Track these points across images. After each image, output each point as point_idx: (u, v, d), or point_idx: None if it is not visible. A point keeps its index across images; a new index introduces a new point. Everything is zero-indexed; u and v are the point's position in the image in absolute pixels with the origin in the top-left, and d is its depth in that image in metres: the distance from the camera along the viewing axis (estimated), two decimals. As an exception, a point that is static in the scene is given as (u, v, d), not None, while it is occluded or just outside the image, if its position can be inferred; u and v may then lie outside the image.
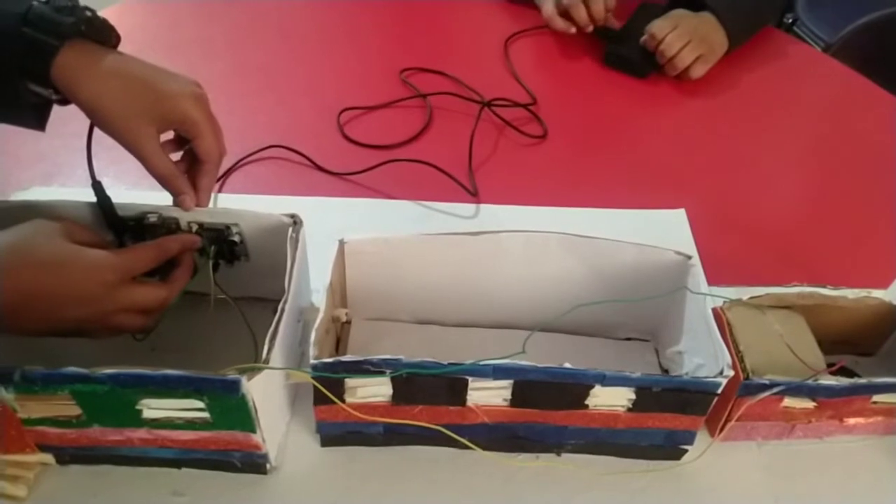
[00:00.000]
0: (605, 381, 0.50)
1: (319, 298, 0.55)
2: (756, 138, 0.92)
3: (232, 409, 0.48)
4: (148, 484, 0.54)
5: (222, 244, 0.59)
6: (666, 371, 0.62)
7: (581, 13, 0.98)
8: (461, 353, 0.62)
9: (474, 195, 0.78)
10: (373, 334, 0.64)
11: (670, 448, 0.56)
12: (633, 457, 0.57)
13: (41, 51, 0.49)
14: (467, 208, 0.77)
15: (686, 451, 0.57)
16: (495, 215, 0.76)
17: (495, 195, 0.79)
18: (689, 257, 0.58)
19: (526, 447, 0.57)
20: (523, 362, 0.49)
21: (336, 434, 0.56)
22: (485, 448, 0.55)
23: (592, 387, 0.50)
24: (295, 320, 0.56)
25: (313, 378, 0.49)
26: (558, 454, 0.58)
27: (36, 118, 0.53)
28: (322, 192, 0.78)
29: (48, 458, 0.54)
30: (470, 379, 0.50)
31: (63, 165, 0.79)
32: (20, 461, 0.53)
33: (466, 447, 0.54)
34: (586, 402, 0.52)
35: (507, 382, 0.51)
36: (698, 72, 0.96)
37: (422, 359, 0.49)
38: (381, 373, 0.49)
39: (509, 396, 0.52)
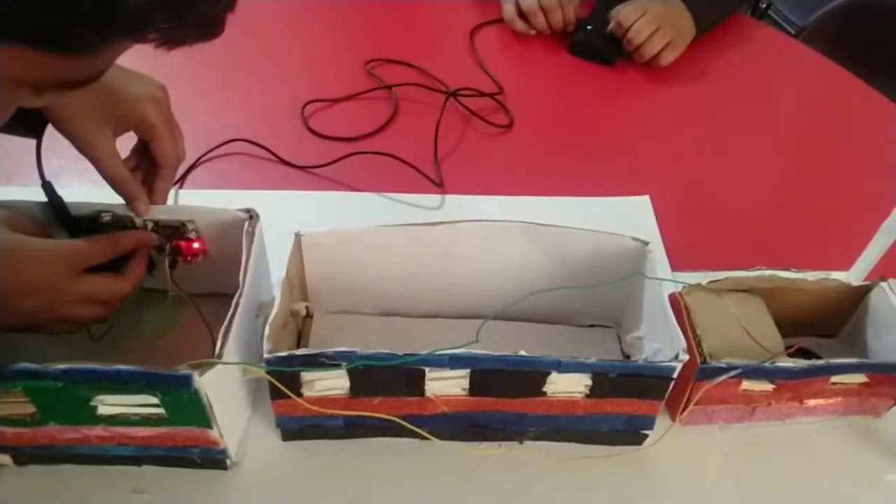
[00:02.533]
0: (561, 367, 0.50)
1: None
2: (723, 125, 0.92)
3: (186, 404, 0.48)
4: (108, 482, 0.54)
5: (179, 241, 0.59)
6: (628, 357, 0.62)
7: (539, 20, 0.99)
8: (423, 343, 0.61)
9: (440, 186, 0.78)
10: (334, 327, 0.63)
11: (631, 433, 0.57)
12: (595, 442, 0.57)
13: None
14: (433, 199, 0.77)
15: (647, 436, 0.57)
16: (460, 206, 0.76)
17: (461, 185, 0.78)
18: (647, 243, 0.58)
19: (487, 436, 0.57)
20: (479, 351, 0.49)
21: (296, 428, 0.56)
22: (446, 438, 0.55)
23: (549, 374, 0.51)
24: (253, 315, 0.56)
25: (268, 373, 0.49)
26: (520, 442, 0.58)
27: (27, 127, 0.52)
28: (286, 185, 0.77)
29: (5, 458, 0.53)
30: (427, 369, 0.50)
31: (24, 165, 0.78)
32: (-24, 462, 0.53)
33: (427, 439, 0.54)
34: (544, 389, 0.52)
35: (465, 372, 0.51)
36: (667, 59, 0.96)
37: (377, 350, 0.49)
38: (337, 366, 0.49)
39: (467, 386, 0.52)
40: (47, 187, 0.55)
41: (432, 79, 0.92)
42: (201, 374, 0.46)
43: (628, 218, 0.77)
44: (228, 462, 0.54)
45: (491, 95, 0.89)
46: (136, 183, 0.55)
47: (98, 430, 0.51)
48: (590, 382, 0.52)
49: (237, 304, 0.51)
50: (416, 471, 0.56)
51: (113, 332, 0.58)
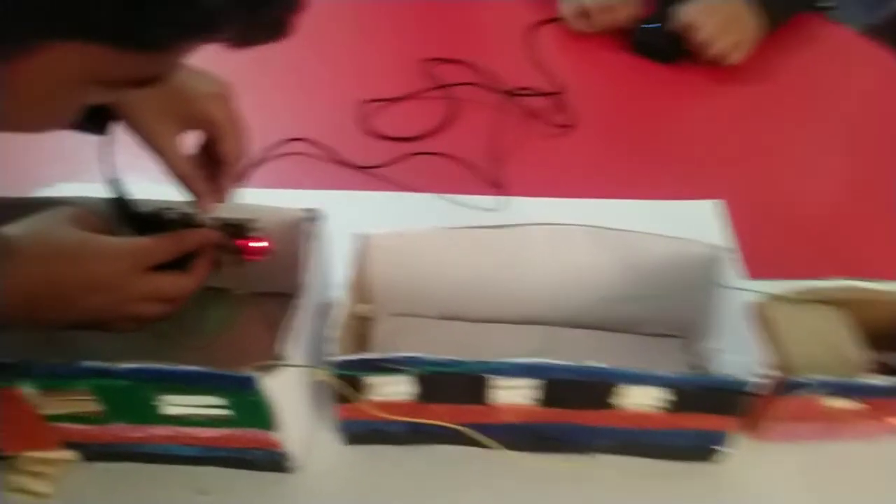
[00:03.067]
0: (636, 379, 0.48)
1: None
2: (792, 126, 0.88)
3: (250, 406, 0.48)
4: (172, 482, 0.54)
5: (242, 239, 0.58)
6: (697, 369, 0.60)
7: (600, 19, 0.97)
8: (487, 349, 0.61)
9: (499, 188, 0.76)
10: (397, 330, 0.62)
11: (704, 449, 0.54)
12: (666, 458, 0.55)
13: None
14: (491, 201, 0.75)
15: (721, 452, 0.54)
16: (520, 208, 0.75)
17: (520, 187, 0.77)
18: (723, 250, 0.56)
19: (556, 448, 0.55)
20: (549, 361, 0.47)
21: (360, 432, 0.55)
22: (512, 448, 0.53)
23: (622, 386, 0.49)
24: (315, 316, 0.55)
25: (332, 376, 0.48)
26: (590, 455, 0.56)
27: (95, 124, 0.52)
28: (343, 185, 0.77)
29: (71, 454, 0.53)
30: (493, 377, 0.49)
31: (88, 162, 0.78)
32: (44, 458, 0.53)
33: (494, 447, 0.52)
34: (615, 401, 0.50)
35: (534, 381, 0.49)
36: (735, 58, 0.93)
37: (443, 356, 0.47)
38: (402, 371, 0.48)
39: (536, 395, 0.50)
40: (114, 183, 0.55)
41: (490, 78, 0.90)
42: (264, 376, 0.46)
43: (695, 223, 0.74)
44: (291, 465, 0.54)
45: (550, 95, 0.87)
46: (201, 180, 0.55)
47: (162, 430, 0.51)
48: (665, 396, 0.49)
49: (299, 306, 0.50)
50: (480, 481, 0.54)
51: (175, 329, 0.58)
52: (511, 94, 0.86)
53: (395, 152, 0.79)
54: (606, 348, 0.62)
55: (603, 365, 0.47)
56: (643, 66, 0.96)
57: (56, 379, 0.46)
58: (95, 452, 0.53)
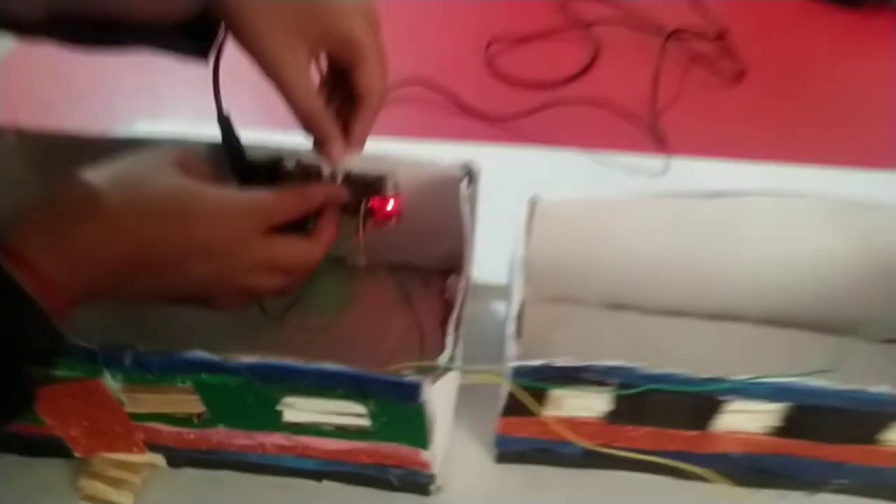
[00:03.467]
0: (934, 412, 0.35)
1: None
2: None
3: (402, 418, 0.36)
4: (278, 497, 0.43)
5: (371, 199, 0.46)
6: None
7: None
8: (670, 350, 0.48)
9: (661, 145, 0.62)
10: (552, 320, 0.50)
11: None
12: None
13: None
14: (653, 161, 0.61)
15: None
16: (691, 171, 0.61)
17: (685, 145, 0.63)
18: None
19: (771, 483, 0.43)
20: (818, 382, 0.34)
21: (518, 451, 0.43)
22: (715, 479, 0.41)
23: (902, 419, 0.35)
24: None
25: (515, 385, 0.36)
26: (810, 494, 0.43)
27: (192, 44, 0.40)
28: (469, 137, 0.64)
29: (158, 459, 0.43)
30: (731, 399, 0.36)
31: (169, 98, 0.68)
32: (125, 461, 0.43)
33: (690, 478, 0.40)
34: (881, 436, 0.37)
35: (779, 406, 0.36)
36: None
37: (668, 370, 0.35)
38: (604, 384, 0.36)
39: (775, 423, 0.37)
40: (224, 122, 0.43)
41: (639, 17, 0.75)
42: (433, 383, 0.34)
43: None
44: (432, 487, 0.42)
45: (715, 39, 0.72)
46: (333, 120, 0.42)
47: (277, 438, 0.39)
48: (956, 430, 0.36)
49: (466, 290, 0.38)
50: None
51: (280, 307, 0.47)
52: (666, 35, 0.72)
53: (529, 100, 0.65)
54: (824, 355, 0.48)
55: (891, 391, 0.34)
56: (823, 9, 0.80)
57: (151, 372, 0.35)
58: (187, 458, 0.43)
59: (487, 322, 0.50)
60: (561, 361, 0.35)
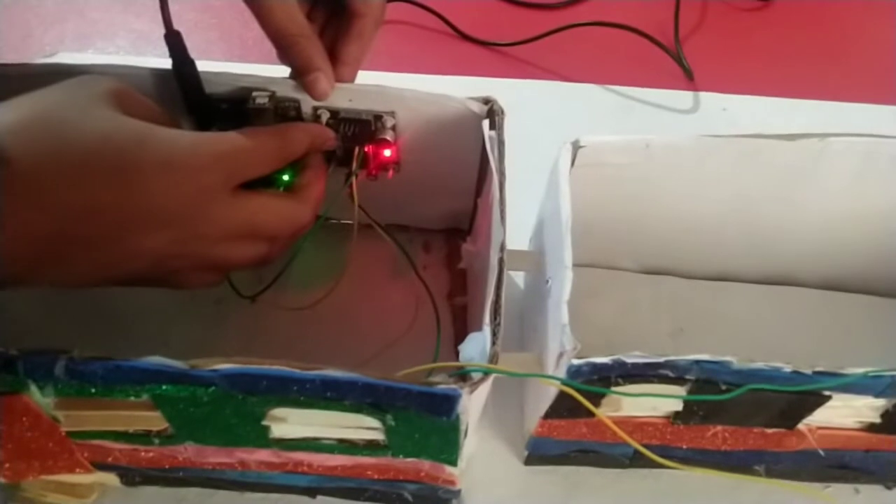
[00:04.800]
0: None
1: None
2: None
3: (428, 432, 0.28)
4: (263, 518, 0.35)
5: (367, 145, 0.37)
6: None
7: None
8: (725, 321, 0.41)
9: (690, 78, 0.54)
10: (583, 288, 0.41)
11: None
12: None
13: None
14: (681, 97, 0.53)
15: None
16: (724, 109, 0.53)
17: (712, 80, 0.55)
18: None
19: (846, 477, 0.36)
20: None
21: (556, 453, 0.35)
22: (777, 476, 0.35)
23: None
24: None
25: (570, 387, 0.28)
26: (889, 487, 0.37)
27: None
28: (467, 69, 0.55)
29: (110, 478, 0.34)
30: (836, 395, 0.29)
31: (100, 23, 0.56)
32: (68, 483, 0.34)
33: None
34: None
35: (887, 401, 0.29)
36: None
37: (768, 364, 0.27)
38: (683, 381, 0.28)
39: (873, 419, 0.31)
40: (173, 40, 0.32)
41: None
42: (472, 392, 0.25)
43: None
44: (455, 502, 0.35)
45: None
46: (319, 45, 0.33)
47: (262, 455, 0.31)
48: None
49: (503, 265, 0.29)
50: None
51: (251, 280, 0.38)
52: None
53: (534, 25, 0.56)
54: (891, 323, 0.42)
55: None
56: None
57: (93, 384, 0.26)
58: (144, 476, 0.34)
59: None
60: (632, 357, 0.27)
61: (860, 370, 0.27)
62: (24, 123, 0.25)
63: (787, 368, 0.27)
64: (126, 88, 0.29)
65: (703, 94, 0.53)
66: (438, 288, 0.42)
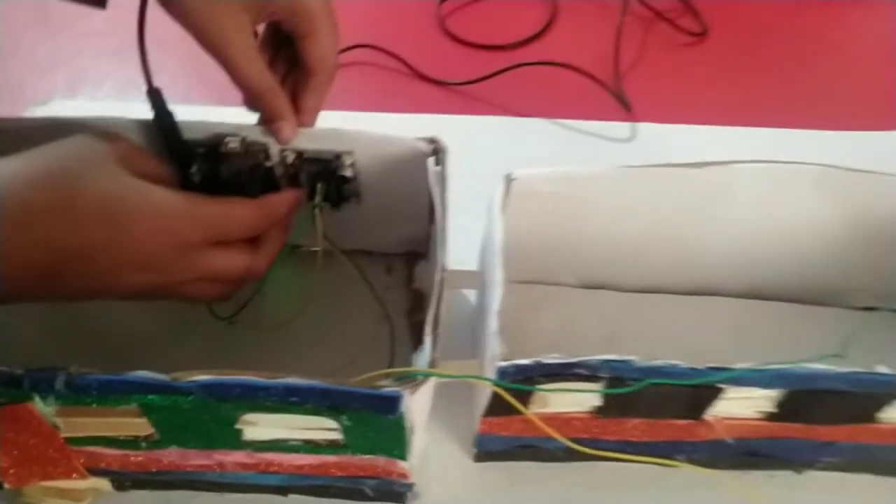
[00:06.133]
0: (937, 390, 0.33)
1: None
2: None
3: (379, 430, 0.33)
4: (241, 516, 0.39)
5: (328, 181, 0.42)
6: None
7: None
8: (654, 329, 0.46)
9: (628, 110, 0.59)
10: (526, 303, 0.47)
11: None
12: (899, 475, 0.41)
13: None
14: (620, 128, 0.59)
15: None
16: (659, 138, 0.58)
17: (650, 111, 0.60)
18: None
19: (759, 464, 0.41)
20: (821, 367, 0.32)
21: (500, 449, 0.40)
22: (700, 465, 0.39)
23: (906, 397, 0.34)
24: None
25: (500, 387, 0.33)
26: (798, 472, 0.42)
27: None
28: (424, 106, 0.60)
29: (103, 483, 0.38)
30: (730, 387, 0.33)
31: (88, 71, 0.61)
32: (66, 488, 0.38)
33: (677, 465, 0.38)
34: (881, 414, 0.35)
35: (777, 392, 0.34)
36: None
37: (665, 361, 0.32)
38: (596, 379, 0.33)
39: (770, 409, 0.36)
40: (154, 95, 0.37)
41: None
42: (412, 393, 0.30)
43: (879, 159, 0.58)
44: (409, 494, 0.39)
45: (675, -6, 0.70)
46: (284, 96, 0.38)
47: (238, 457, 0.36)
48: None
49: (443, 283, 0.34)
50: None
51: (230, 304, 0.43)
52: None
53: (486, 64, 0.61)
54: (804, 327, 0.47)
55: (890, 370, 0.33)
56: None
57: (89, 395, 0.31)
58: (134, 480, 0.38)
59: (456, 309, 0.46)
60: (549, 358, 0.32)
61: (745, 365, 0.32)
62: (47, 173, 0.30)
63: (683, 365, 0.32)
64: (132, 147, 0.34)
65: (641, 125, 0.59)
66: (399, 306, 0.46)
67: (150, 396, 0.31)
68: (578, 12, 0.68)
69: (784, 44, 0.69)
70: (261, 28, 0.38)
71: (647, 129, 0.58)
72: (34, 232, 0.28)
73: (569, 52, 0.63)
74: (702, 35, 0.67)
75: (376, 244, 0.48)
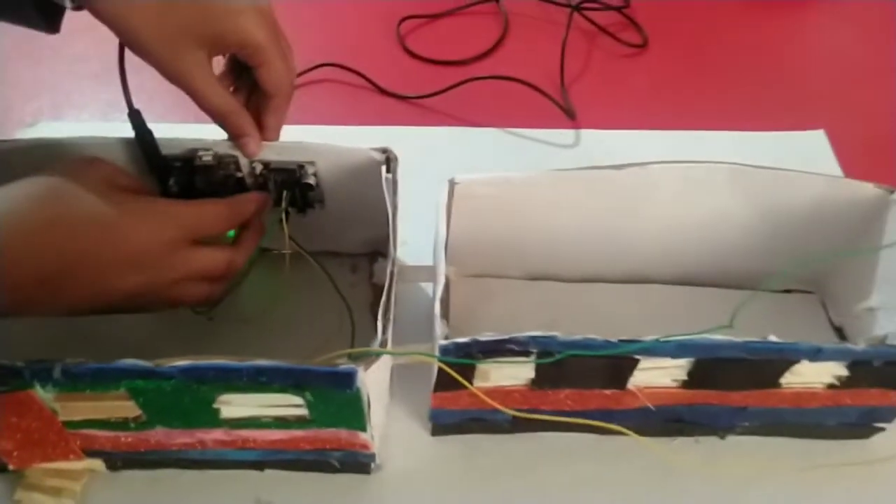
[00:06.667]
0: (819, 355, 0.38)
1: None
2: (894, 43, 0.77)
3: (339, 405, 0.37)
4: (224, 490, 0.44)
5: (294, 188, 0.47)
6: (840, 330, 0.51)
7: None
8: (592, 314, 0.51)
9: (572, 118, 0.65)
10: (477, 295, 0.52)
11: (863, 427, 0.46)
12: (814, 437, 0.47)
13: None
14: (565, 135, 0.64)
15: (880, 429, 0.46)
16: (601, 142, 0.64)
17: (594, 118, 0.66)
18: (892, 191, 0.46)
19: (685, 430, 0.46)
20: (718, 337, 0.38)
21: (452, 423, 0.45)
22: (633, 432, 0.44)
23: (796, 363, 0.39)
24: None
25: (443, 363, 0.38)
26: (722, 437, 0.47)
27: (44, 19, 0.39)
28: (385, 119, 0.65)
29: (97, 463, 0.43)
30: (643, 358, 0.39)
31: (72, 94, 0.65)
32: (63, 469, 0.42)
33: (611, 433, 0.43)
34: (783, 380, 0.41)
35: (686, 361, 0.39)
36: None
37: (583, 336, 0.37)
38: (527, 353, 0.38)
39: (683, 377, 0.41)
40: (135, 117, 0.42)
41: (545, -10, 0.77)
42: (366, 369, 0.35)
43: (800, 156, 0.63)
44: (373, 465, 0.44)
45: (618, 9, 0.75)
46: (246, 115, 0.43)
47: (217, 434, 0.40)
48: (844, 372, 0.40)
49: (393, 274, 0.39)
50: (598, 471, 0.45)
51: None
52: (576, 8, 0.74)
53: (443, 78, 0.66)
54: (726, 310, 0.52)
55: (785, 341, 0.38)
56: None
57: (83, 382, 0.35)
58: (125, 460, 0.43)
59: (415, 301, 0.51)
60: (485, 336, 0.37)
61: (652, 337, 0.37)
62: (38, 195, 0.35)
63: (599, 338, 0.37)
64: (113, 167, 0.39)
65: (584, 131, 0.64)
66: (363, 301, 0.51)
67: (136, 381, 0.35)
68: (527, 29, 0.74)
69: (717, 54, 0.75)
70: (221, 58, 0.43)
71: (589, 135, 0.64)
72: (38, 240, 0.33)
73: (518, 66, 0.68)
74: (642, 47, 0.73)
75: (341, 245, 0.53)
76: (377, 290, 0.52)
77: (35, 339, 0.47)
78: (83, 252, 0.35)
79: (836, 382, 0.41)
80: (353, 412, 0.38)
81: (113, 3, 0.36)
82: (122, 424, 0.39)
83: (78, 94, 0.65)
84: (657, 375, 0.41)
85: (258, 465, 0.44)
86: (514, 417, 0.43)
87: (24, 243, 0.33)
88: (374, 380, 0.36)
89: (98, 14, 0.37)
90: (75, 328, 0.47)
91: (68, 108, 0.64)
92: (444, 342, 0.37)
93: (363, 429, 0.39)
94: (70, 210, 0.35)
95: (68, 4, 0.37)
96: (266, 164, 0.45)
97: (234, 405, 0.38)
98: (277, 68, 0.42)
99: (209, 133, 0.44)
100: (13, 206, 0.34)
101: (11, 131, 0.60)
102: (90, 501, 0.43)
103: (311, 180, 0.46)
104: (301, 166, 0.45)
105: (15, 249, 0.33)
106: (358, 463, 0.43)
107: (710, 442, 0.47)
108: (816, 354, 0.38)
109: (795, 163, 0.48)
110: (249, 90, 0.45)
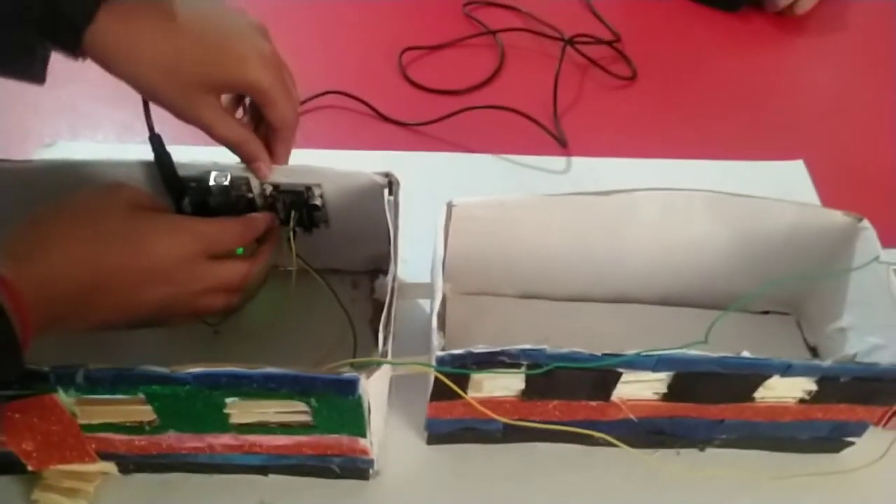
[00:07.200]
0: (789, 371, 0.41)
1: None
2: (869, 79, 0.81)
3: (342, 411, 0.40)
4: (229, 494, 0.46)
5: (301, 209, 0.50)
6: (814, 350, 0.54)
7: None
8: (580, 332, 0.54)
9: (564, 146, 0.68)
10: (473, 312, 0.55)
11: (833, 441, 0.49)
12: (788, 450, 0.49)
13: (70, 21, 0.37)
14: (557, 162, 0.67)
15: (849, 443, 0.49)
16: (591, 169, 0.67)
17: (584, 146, 0.69)
18: (861, 219, 0.49)
19: (667, 442, 0.49)
20: (694, 352, 0.40)
21: (446, 432, 0.47)
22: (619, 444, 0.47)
23: (769, 378, 0.42)
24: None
25: (439, 373, 0.40)
26: (701, 449, 0.50)
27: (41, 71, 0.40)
28: (387, 145, 0.68)
29: (110, 466, 0.45)
30: (625, 371, 0.41)
31: (89, 116, 0.69)
32: (78, 471, 0.45)
33: (597, 444, 0.46)
34: (756, 394, 0.44)
35: (666, 374, 0.42)
36: (805, 6, 0.85)
37: (570, 349, 0.40)
38: (519, 365, 0.41)
39: (663, 390, 0.44)
40: (155, 140, 0.45)
41: (540, 24, 0.81)
42: (368, 377, 0.38)
43: (780, 185, 0.67)
44: (371, 471, 0.46)
45: (609, 43, 0.79)
46: (257, 141, 0.46)
47: (225, 439, 0.43)
48: (813, 387, 0.43)
49: (394, 290, 0.42)
50: (584, 480, 0.48)
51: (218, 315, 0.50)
52: (569, 41, 0.77)
53: (441, 106, 0.70)
54: (712, 330, 0.55)
55: (757, 357, 0.41)
56: (702, 13, 0.87)
57: (103, 387, 0.38)
58: (137, 464, 0.45)
59: (414, 317, 0.54)
60: (479, 348, 0.40)
61: (633, 351, 0.40)
62: (71, 216, 0.38)
63: (584, 352, 0.40)
64: (136, 189, 0.43)
65: (575, 158, 0.67)
66: (364, 316, 0.54)
67: (153, 386, 0.38)
68: (522, 61, 0.77)
69: (703, 88, 0.78)
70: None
71: (580, 162, 0.67)
72: (72, 257, 0.36)
73: (513, 96, 0.71)
74: (631, 79, 0.77)
75: (344, 263, 0.56)
76: (377, 306, 0.55)
77: (49, 355, 0.50)
78: (115, 266, 0.38)
79: (807, 397, 0.44)
80: (355, 418, 0.40)
81: (126, 62, 0.39)
82: (136, 428, 0.41)
83: (93, 116, 0.68)
84: (639, 388, 0.43)
85: (263, 470, 0.46)
86: (506, 427, 0.46)
87: (60, 261, 0.36)
88: (374, 388, 0.39)
89: (111, 70, 0.39)
90: (89, 346, 0.50)
91: (84, 129, 0.67)
92: (440, 353, 0.40)
93: (363, 434, 0.42)
94: (101, 228, 0.38)
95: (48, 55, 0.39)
96: (276, 186, 0.48)
97: (243, 411, 0.40)
98: (282, 107, 0.45)
99: (220, 155, 0.47)
100: (54, 222, 0.37)
101: (30, 150, 0.63)
102: (102, 502, 0.45)
103: (318, 201, 0.49)
104: (308, 188, 0.48)
105: (52, 266, 0.36)
106: (357, 469, 0.45)
107: (690, 454, 0.50)
108: (787, 370, 0.41)
109: (775, 191, 0.52)
110: (258, 121, 0.48)
